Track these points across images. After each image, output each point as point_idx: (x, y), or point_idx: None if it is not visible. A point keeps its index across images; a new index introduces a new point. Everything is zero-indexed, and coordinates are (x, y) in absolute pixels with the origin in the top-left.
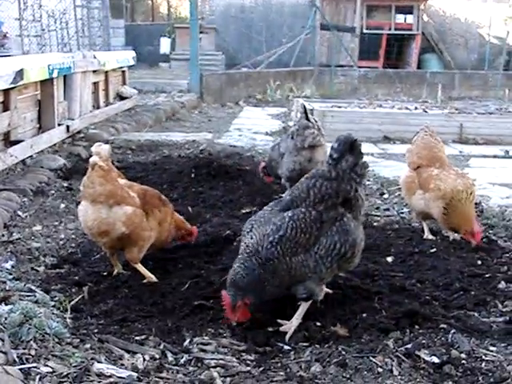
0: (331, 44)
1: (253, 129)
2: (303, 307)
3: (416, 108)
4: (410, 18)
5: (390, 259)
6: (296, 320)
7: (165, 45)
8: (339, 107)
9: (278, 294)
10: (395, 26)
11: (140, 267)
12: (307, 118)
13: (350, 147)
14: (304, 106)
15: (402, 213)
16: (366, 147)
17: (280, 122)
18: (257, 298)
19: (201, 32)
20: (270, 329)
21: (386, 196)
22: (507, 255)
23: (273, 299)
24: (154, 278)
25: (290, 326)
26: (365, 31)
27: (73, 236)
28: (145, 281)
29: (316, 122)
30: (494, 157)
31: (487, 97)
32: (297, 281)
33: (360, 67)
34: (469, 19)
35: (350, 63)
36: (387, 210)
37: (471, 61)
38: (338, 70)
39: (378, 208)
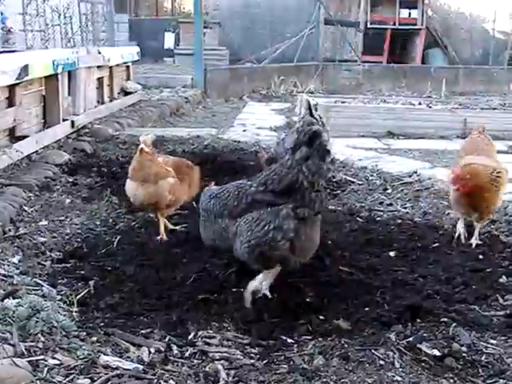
0: (335, 39)
1: (257, 124)
2: (262, 275)
3: (420, 103)
4: (414, 13)
5: (392, 254)
6: (251, 283)
7: (169, 40)
8: (343, 102)
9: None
10: (399, 20)
11: (163, 221)
12: (311, 114)
13: (308, 139)
14: (308, 102)
15: (405, 208)
16: (369, 142)
17: (284, 117)
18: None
19: (205, 27)
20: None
21: (389, 191)
22: (509, 250)
23: (278, 293)
24: (165, 237)
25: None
26: (369, 26)
27: (78, 231)
28: (158, 237)
29: (320, 118)
30: (498, 152)
31: (491, 92)
32: (224, 242)
33: (364, 62)
34: (473, 14)
35: (354, 58)
36: (390, 205)
37: (476, 56)
38: (342, 65)
39: (381, 203)
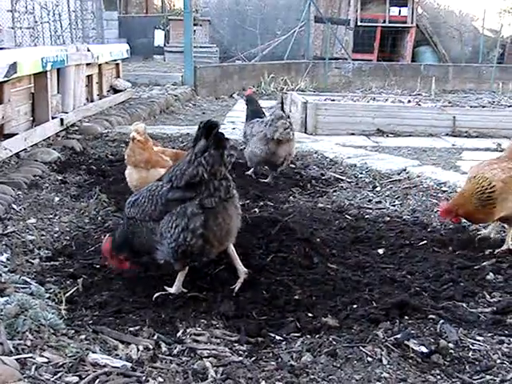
0: (325, 37)
1: None
2: (179, 276)
3: (409, 101)
4: (404, 11)
5: (380, 251)
6: (174, 287)
7: (159, 37)
8: (333, 100)
9: (147, 251)
10: (389, 18)
11: None
12: (282, 109)
13: (205, 132)
14: (282, 97)
15: (394, 205)
16: (359, 140)
17: None
18: (130, 253)
19: (195, 24)
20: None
21: (378, 189)
22: (497, 247)
23: (267, 291)
24: None
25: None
26: (359, 24)
27: (67, 229)
28: None
29: (289, 117)
30: (487, 150)
31: (481, 90)
32: (152, 246)
33: (354, 60)
34: (463, 12)
35: (345, 56)
36: (379, 202)
37: (465, 54)
38: (333, 63)
39: (370, 201)
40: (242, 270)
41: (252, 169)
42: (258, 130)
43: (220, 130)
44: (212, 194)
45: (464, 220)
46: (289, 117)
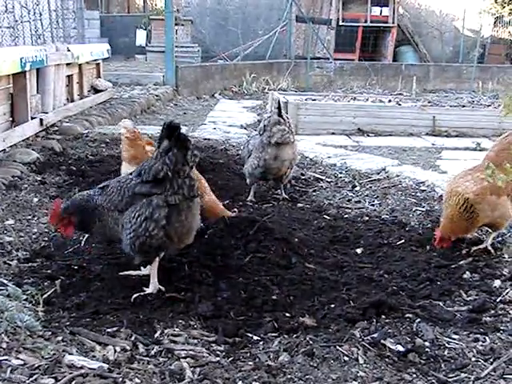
0: (307, 36)
1: (227, 122)
2: (152, 274)
3: (390, 101)
4: (385, 11)
5: (359, 251)
6: (151, 285)
7: (141, 37)
8: (314, 100)
9: (108, 239)
10: (371, 18)
11: None
12: (280, 114)
13: (168, 133)
14: (279, 101)
15: (373, 205)
16: (339, 139)
17: (255, 114)
18: (81, 227)
19: (176, 24)
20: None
21: (357, 188)
22: (473, 246)
23: (244, 291)
24: None
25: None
26: (341, 23)
27: (46, 230)
28: None
29: (288, 119)
30: (466, 149)
31: (461, 89)
32: (115, 236)
33: (336, 59)
34: (444, 12)
35: (326, 56)
36: (358, 202)
37: (446, 53)
38: (314, 63)
39: (349, 200)
40: (156, 284)
41: (251, 192)
42: (255, 142)
43: (182, 131)
44: (176, 191)
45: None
46: (288, 118)
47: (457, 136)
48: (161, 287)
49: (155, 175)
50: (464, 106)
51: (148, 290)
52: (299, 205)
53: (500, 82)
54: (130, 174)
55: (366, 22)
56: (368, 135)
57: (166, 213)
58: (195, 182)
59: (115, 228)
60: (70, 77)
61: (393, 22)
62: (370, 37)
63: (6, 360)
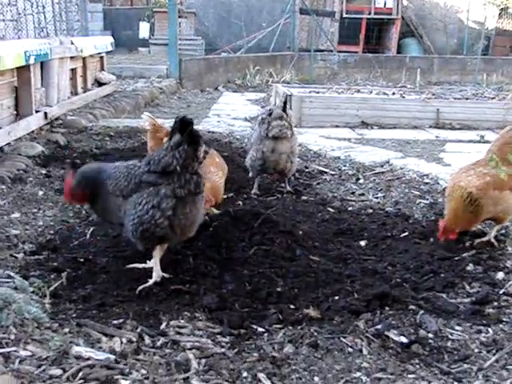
0: (311, 29)
1: (231, 114)
2: (155, 263)
3: (394, 93)
4: (389, 3)
5: (363, 243)
6: (154, 273)
7: (144, 29)
8: (317, 93)
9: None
10: (375, 10)
11: None
12: (284, 109)
13: (180, 127)
14: (286, 97)
15: (377, 197)
16: (343, 132)
17: (259, 107)
18: (90, 202)
19: (180, 16)
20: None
21: (361, 181)
22: (477, 239)
23: (249, 283)
24: None
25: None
26: (344, 16)
27: (51, 223)
28: None
29: (289, 114)
30: (470, 142)
31: (466, 81)
32: (117, 221)
33: (340, 52)
34: (448, 4)
35: (330, 48)
36: (362, 194)
37: (451, 45)
38: (318, 55)
39: (353, 193)
40: (159, 272)
41: (255, 185)
42: (255, 135)
43: (194, 127)
44: (183, 185)
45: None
46: (288, 115)
47: (461, 128)
48: (164, 275)
49: (164, 168)
50: (468, 99)
51: (151, 280)
52: (303, 197)
53: (504, 75)
54: (139, 161)
55: (369, 14)
56: (372, 128)
57: (173, 204)
58: (202, 179)
59: (116, 213)
60: (73, 70)
61: (397, 14)
62: (373, 29)
63: (14, 351)
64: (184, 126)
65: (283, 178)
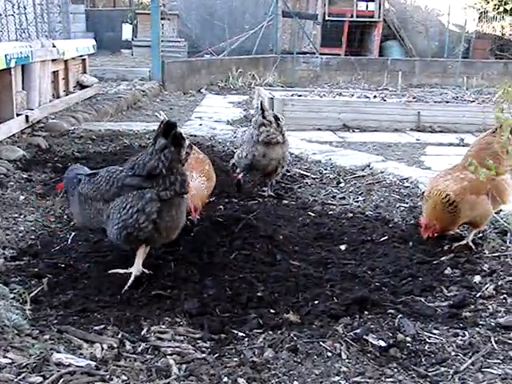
0: (293, 31)
1: (214, 117)
2: (137, 257)
3: (375, 96)
4: (371, 6)
5: (343, 247)
6: (135, 266)
7: (127, 31)
8: (299, 96)
9: (92, 226)
10: (357, 13)
11: None
12: (263, 116)
13: (165, 131)
14: (261, 103)
15: (357, 201)
16: (325, 135)
17: (241, 110)
18: (72, 208)
19: (163, 18)
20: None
21: (342, 185)
22: (455, 242)
23: (230, 288)
24: None
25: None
26: (327, 18)
27: (32, 228)
28: None
29: (276, 119)
30: (450, 145)
31: (447, 84)
32: (98, 223)
33: (322, 54)
34: (429, 7)
35: (313, 50)
36: (343, 198)
37: (432, 48)
38: (300, 58)
39: (333, 197)
40: (137, 267)
41: (241, 174)
42: (247, 135)
43: (178, 130)
44: (168, 187)
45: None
46: (279, 119)
47: (441, 131)
48: (144, 270)
49: (150, 171)
50: (448, 102)
51: (131, 269)
52: (284, 201)
53: (484, 78)
54: (120, 165)
55: (352, 16)
56: (353, 131)
57: (157, 207)
58: (186, 178)
59: (98, 217)
60: (55, 73)
61: (379, 17)
62: (356, 31)
63: None
64: (169, 129)
65: (266, 182)
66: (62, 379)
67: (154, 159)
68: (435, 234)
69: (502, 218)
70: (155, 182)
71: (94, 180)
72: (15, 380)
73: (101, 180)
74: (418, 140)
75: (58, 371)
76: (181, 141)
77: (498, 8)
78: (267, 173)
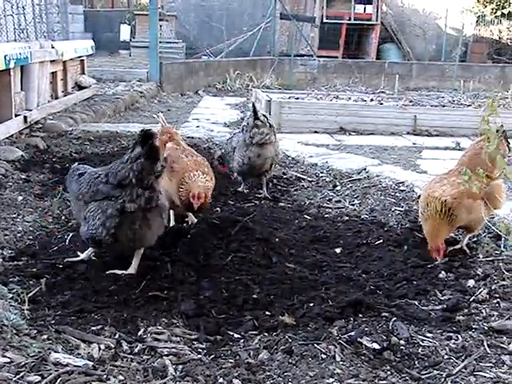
0: (291, 33)
1: (211, 119)
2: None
3: (372, 100)
4: (369, 8)
5: (338, 250)
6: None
7: (125, 32)
8: (296, 98)
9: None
10: (355, 15)
11: None
12: (256, 118)
13: (142, 140)
14: (253, 105)
15: (353, 204)
16: (322, 138)
17: (238, 111)
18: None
19: (161, 19)
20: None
21: (338, 188)
22: (450, 247)
23: (226, 290)
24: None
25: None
26: (325, 21)
27: (30, 228)
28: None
29: (267, 119)
30: (446, 148)
31: (444, 87)
32: (79, 220)
33: (320, 57)
34: (427, 10)
35: (310, 53)
36: (339, 201)
37: (429, 51)
38: (298, 60)
39: (330, 200)
40: (134, 267)
41: (242, 184)
42: (239, 139)
43: (156, 142)
44: (133, 199)
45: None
46: (267, 119)
47: (437, 135)
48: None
49: (120, 181)
50: (444, 106)
51: (129, 270)
52: (281, 204)
53: (481, 81)
54: (103, 170)
55: (349, 19)
56: (350, 134)
57: (116, 222)
58: (156, 194)
59: (79, 214)
60: (54, 74)
61: (376, 20)
62: (353, 34)
63: None
64: (146, 138)
65: (261, 181)
66: (60, 379)
67: (126, 168)
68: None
69: (494, 224)
70: (124, 192)
71: (80, 180)
72: (14, 379)
73: (84, 181)
74: (414, 144)
75: (56, 371)
76: (156, 153)
77: (496, 12)
78: (262, 172)
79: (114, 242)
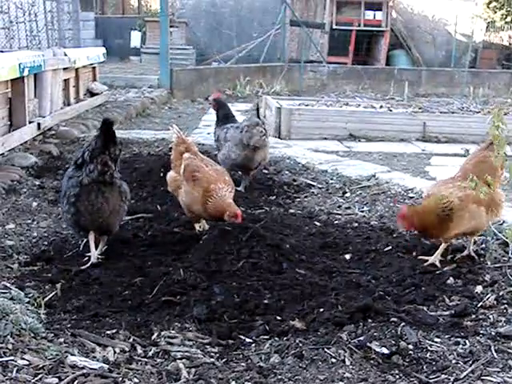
0: (301, 40)
1: None
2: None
3: (381, 106)
4: (379, 15)
5: (347, 256)
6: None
7: (135, 38)
8: (306, 105)
9: None
10: (364, 22)
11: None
12: (258, 116)
13: (101, 125)
14: (257, 104)
15: (363, 211)
16: (331, 145)
17: None
18: None
19: (171, 26)
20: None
21: (347, 195)
22: (458, 253)
23: (237, 295)
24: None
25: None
26: (334, 27)
27: (45, 234)
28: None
29: (263, 122)
30: (455, 155)
31: (453, 94)
32: None
33: (329, 63)
34: (436, 17)
35: (320, 59)
36: (348, 208)
37: (439, 58)
38: (308, 66)
39: (339, 206)
40: (94, 254)
41: (242, 184)
42: (234, 135)
43: (112, 127)
44: (88, 174)
45: (416, 232)
46: (264, 123)
47: (447, 142)
48: (99, 257)
49: (76, 160)
50: (454, 113)
51: (89, 263)
52: (291, 211)
53: (491, 88)
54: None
55: (359, 25)
56: (359, 140)
57: (75, 192)
58: (109, 170)
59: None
60: (66, 81)
61: (386, 26)
62: (363, 41)
63: (12, 360)
64: (104, 124)
65: (245, 175)
66: (77, 381)
67: (83, 149)
68: (413, 230)
69: (501, 232)
70: (83, 169)
71: (63, 180)
72: (32, 381)
73: (64, 177)
74: (423, 150)
75: (73, 373)
76: (110, 136)
77: (506, 18)
78: (250, 170)
79: (76, 213)
